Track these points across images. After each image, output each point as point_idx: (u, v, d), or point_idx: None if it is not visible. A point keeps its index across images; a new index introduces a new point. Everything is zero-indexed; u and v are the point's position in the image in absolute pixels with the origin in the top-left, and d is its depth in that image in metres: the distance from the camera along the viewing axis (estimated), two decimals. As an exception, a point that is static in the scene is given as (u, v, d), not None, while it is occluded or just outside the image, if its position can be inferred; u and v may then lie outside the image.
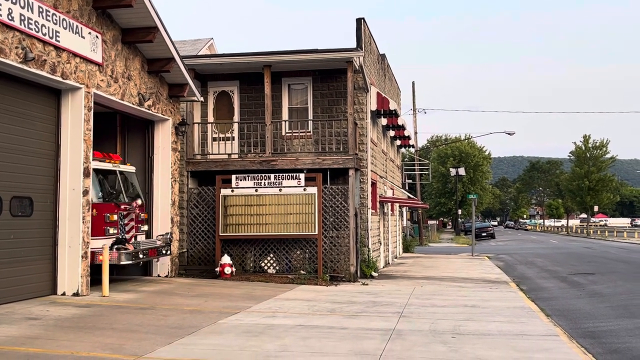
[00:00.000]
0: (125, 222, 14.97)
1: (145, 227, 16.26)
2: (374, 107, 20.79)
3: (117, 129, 17.53)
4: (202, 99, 19.14)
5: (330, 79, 19.87)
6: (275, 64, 18.98)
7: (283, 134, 19.79)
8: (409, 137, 30.47)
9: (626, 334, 10.82)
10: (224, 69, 20.00)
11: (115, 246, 14.28)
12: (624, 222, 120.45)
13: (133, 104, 15.46)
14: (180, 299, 13.36)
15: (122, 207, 14.87)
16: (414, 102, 51.57)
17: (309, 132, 19.73)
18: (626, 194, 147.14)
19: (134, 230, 15.26)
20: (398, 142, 30.43)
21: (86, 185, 13.41)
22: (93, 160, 14.02)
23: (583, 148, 78.31)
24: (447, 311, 12.74)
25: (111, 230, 14.36)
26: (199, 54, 23.39)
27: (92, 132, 13.66)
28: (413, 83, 52.91)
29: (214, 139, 20.40)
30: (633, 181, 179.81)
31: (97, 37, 13.81)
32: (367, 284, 17.40)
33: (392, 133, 27.11)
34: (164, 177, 17.32)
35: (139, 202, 15.45)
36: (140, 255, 14.64)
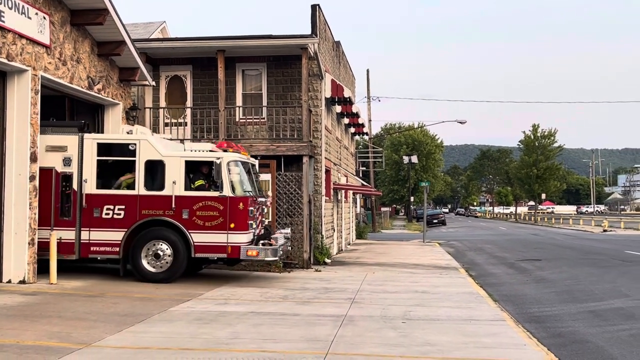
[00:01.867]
0: (257, 215, 14.66)
1: (266, 221, 15.85)
2: (328, 94, 20.79)
3: (65, 113, 17.09)
4: (153, 83, 18.82)
5: (284, 65, 19.77)
6: (229, 49, 18.77)
7: (237, 120, 19.63)
8: (363, 125, 30.62)
9: (569, 318, 11.16)
10: (177, 53, 19.69)
11: (261, 242, 14.19)
12: (570, 209, 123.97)
13: (82, 87, 15.09)
14: (131, 286, 13.17)
15: (258, 200, 14.59)
16: (368, 90, 51.78)
17: (263, 118, 19.62)
18: (572, 182, 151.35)
19: (261, 224, 14.97)
20: (352, 130, 30.54)
21: (33, 171, 13.02)
22: (227, 151, 14.07)
23: (532, 137, 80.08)
24: (398, 297, 12.91)
25: (253, 225, 14.19)
26: (151, 37, 22.94)
27: (39, 116, 13.28)
28: (367, 71, 53.07)
29: (166, 125, 20.09)
30: (579, 170, 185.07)
31: (44, 18, 13.40)
32: (320, 271, 17.47)
33: (346, 121, 27.19)
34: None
35: (270, 194, 14.84)
36: (280, 252, 14.38)
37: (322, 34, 20.83)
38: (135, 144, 13.96)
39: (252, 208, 14.05)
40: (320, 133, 19.82)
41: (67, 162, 13.82)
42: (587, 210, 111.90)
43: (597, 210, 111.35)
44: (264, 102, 19.73)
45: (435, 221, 64.41)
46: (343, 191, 26.61)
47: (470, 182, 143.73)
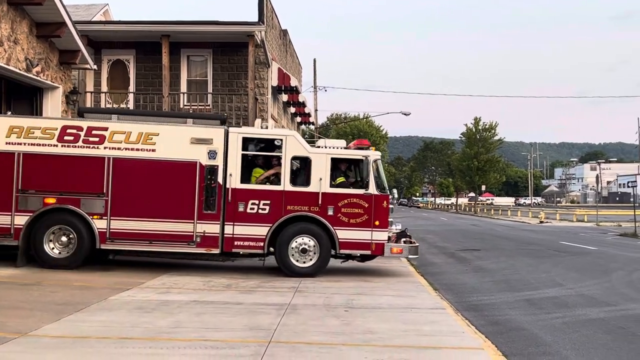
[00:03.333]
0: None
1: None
2: (275, 82, 20.73)
3: (1, 96, 16.49)
4: (95, 67, 18.34)
5: (231, 52, 19.59)
6: (174, 34, 18.47)
7: (181, 106, 19.35)
8: (309, 115, 30.68)
9: (506, 306, 11.48)
10: (120, 37, 19.25)
11: (402, 239, 14.52)
12: (509, 201, 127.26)
13: (20, 69, 14.58)
14: (69, 274, 12.85)
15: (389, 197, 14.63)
16: (314, 80, 51.74)
17: (209, 105, 19.40)
18: (511, 174, 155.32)
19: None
20: (298, 119, 30.55)
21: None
22: (363, 149, 14.35)
23: (473, 130, 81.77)
24: (341, 285, 13.01)
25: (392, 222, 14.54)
26: (93, 19, 22.33)
27: (-28, 98, 12.77)
28: (314, 60, 53.07)
29: (108, 110, 19.63)
30: (518, 162, 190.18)
31: (-21, -5, 12.86)
32: (263, 259, 17.42)
33: (292, 110, 27.17)
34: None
35: (395, 192, 14.87)
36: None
37: (269, 21, 20.72)
38: (281, 140, 14.01)
39: (392, 206, 14.50)
40: (266, 121, 19.73)
41: (212, 155, 13.65)
42: (524, 202, 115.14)
43: (534, 202, 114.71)
44: (210, 89, 19.51)
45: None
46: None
47: (413, 173, 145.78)
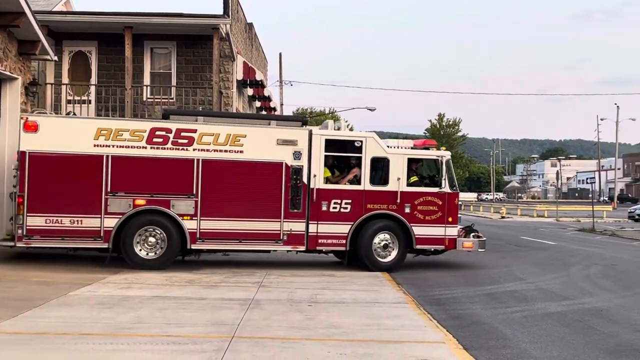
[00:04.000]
0: None
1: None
2: (240, 76, 20.61)
3: (-43, 86, 16.05)
4: (56, 58, 17.97)
5: (195, 45, 19.41)
6: (137, 25, 18.21)
7: (144, 99, 19.11)
8: (275, 109, 30.56)
9: (468, 301, 11.64)
10: (82, 28, 18.90)
11: (472, 234, 15.49)
12: (472, 196, 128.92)
13: (-24, 59, 14.19)
14: (28, 270, 12.62)
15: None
16: (280, 74, 51.55)
17: (172, 98, 19.21)
18: (474, 170, 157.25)
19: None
20: (264, 113, 30.42)
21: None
22: (429, 149, 15.53)
23: (437, 126, 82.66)
24: (305, 280, 13.04)
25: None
26: (53, 10, 21.87)
27: None
28: (280, 54, 52.80)
29: (68, 102, 19.31)
30: (480, 158, 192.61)
31: None
32: (228, 255, 17.33)
33: (258, 104, 27.05)
34: (11, 140, 16.12)
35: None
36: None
37: (234, 14, 20.57)
38: (361, 141, 14.71)
39: (461, 203, 15.07)
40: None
41: (297, 155, 14.16)
42: (487, 198, 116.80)
43: (496, 198, 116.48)
44: (173, 82, 19.31)
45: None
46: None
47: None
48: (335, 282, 13.04)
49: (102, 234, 13.29)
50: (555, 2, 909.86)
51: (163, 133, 13.56)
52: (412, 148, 15.58)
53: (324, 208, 14.38)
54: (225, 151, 13.79)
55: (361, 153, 14.62)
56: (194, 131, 13.69)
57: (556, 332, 9.10)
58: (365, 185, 14.60)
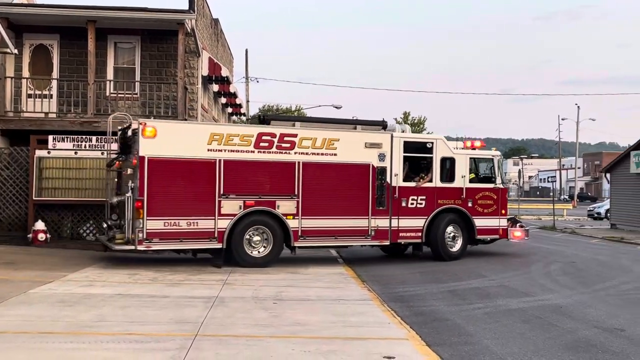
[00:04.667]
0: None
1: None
2: (205, 72, 20.45)
3: None
4: (16, 51, 17.54)
5: (160, 40, 19.19)
6: (100, 19, 17.92)
7: (107, 94, 18.82)
8: (240, 106, 30.41)
9: (431, 297, 11.77)
10: (43, 21, 18.52)
11: (518, 224, 18.07)
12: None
13: None
14: (-14, 268, 12.34)
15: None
16: (246, 70, 51.20)
17: (136, 94, 18.96)
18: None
19: None
20: (230, 110, 30.25)
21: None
22: (484, 149, 17.97)
23: (403, 124, 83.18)
24: (270, 277, 13.02)
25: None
26: (13, 2, 21.37)
27: None
28: (246, 51, 52.43)
29: (29, 96, 18.90)
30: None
31: None
32: (187, 253, 17.20)
33: (223, 100, 26.88)
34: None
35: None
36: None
37: (200, 10, 20.39)
38: (432, 143, 16.68)
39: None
40: (196, 112, 19.46)
41: (381, 157, 15.70)
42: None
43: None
44: (137, 77, 19.07)
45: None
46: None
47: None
48: (301, 279, 13.05)
49: (215, 235, 14.06)
50: (519, 3, 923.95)
51: (269, 138, 14.55)
52: (467, 148, 17.69)
53: (404, 204, 16.06)
54: (322, 154, 15.03)
55: (432, 153, 16.55)
56: (295, 135, 14.82)
57: (517, 328, 9.26)
58: (437, 182, 16.51)
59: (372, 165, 15.59)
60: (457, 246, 16.95)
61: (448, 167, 16.73)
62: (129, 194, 13.64)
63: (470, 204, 16.86)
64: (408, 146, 16.27)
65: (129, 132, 14.31)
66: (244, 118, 51.64)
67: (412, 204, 16.16)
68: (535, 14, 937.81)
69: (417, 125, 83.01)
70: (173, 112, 18.38)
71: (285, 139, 14.70)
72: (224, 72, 21.56)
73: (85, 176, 16.97)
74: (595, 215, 44.91)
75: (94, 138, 17.05)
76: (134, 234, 13.43)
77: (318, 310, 9.80)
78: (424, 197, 16.32)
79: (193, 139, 13.93)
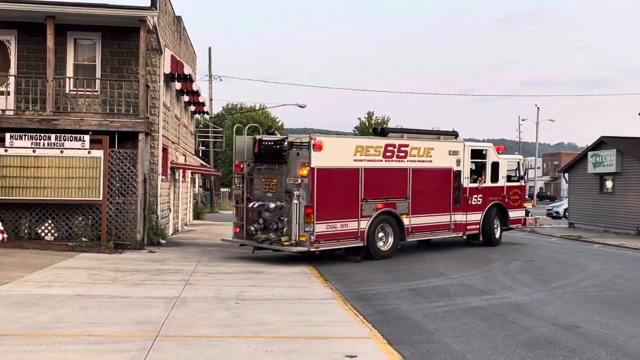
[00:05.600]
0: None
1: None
2: (167, 70, 20.20)
3: None
4: (-29, 46, 17.13)
5: (121, 37, 18.90)
6: (60, 15, 17.56)
7: (67, 91, 18.46)
8: (203, 104, 30.14)
9: (393, 296, 11.87)
10: (0, 16, 18.05)
11: (529, 214, 23.54)
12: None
13: None
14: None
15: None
16: (209, 69, 50.90)
17: (97, 91, 18.64)
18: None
19: None
20: (192, 108, 29.96)
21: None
22: (508, 153, 23.48)
23: (367, 124, 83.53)
24: (233, 277, 12.98)
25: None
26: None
27: None
28: (209, 49, 52.23)
29: (-15, 93, 18.41)
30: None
31: None
32: (154, 252, 17.06)
33: (186, 98, 26.60)
34: None
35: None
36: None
37: (162, 7, 20.13)
38: (487, 150, 21.04)
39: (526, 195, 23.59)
40: (158, 110, 19.24)
41: (458, 162, 19.43)
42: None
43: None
44: (98, 75, 18.75)
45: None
46: (181, 171, 26.09)
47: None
48: (264, 279, 13.03)
49: (358, 234, 16.47)
50: (481, 5, 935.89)
51: (391, 148, 17.34)
52: (501, 153, 21.81)
53: (469, 202, 19.99)
54: (422, 161, 18.16)
55: (486, 159, 20.85)
56: (407, 146, 17.79)
57: (477, 326, 9.41)
58: (488, 182, 20.76)
59: (452, 170, 19.19)
60: (498, 234, 21.48)
61: (495, 170, 21.04)
62: (296, 200, 15.25)
63: (507, 200, 21.46)
64: (473, 153, 20.25)
65: (285, 144, 15.86)
66: (207, 116, 51.27)
67: (474, 201, 20.17)
68: (495, 16, 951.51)
69: (381, 125, 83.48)
70: (134, 111, 18.14)
71: (402, 148, 17.61)
72: (187, 70, 21.33)
73: (44, 175, 16.63)
74: (554, 214, 45.84)
75: (52, 136, 16.73)
76: (302, 236, 15.22)
77: (280, 309, 9.80)
78: (481, 195, 20.45)
79: (345, 151, 16.26)
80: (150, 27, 18.04)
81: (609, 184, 31.76)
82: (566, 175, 36.68)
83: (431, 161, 18.39)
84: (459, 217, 19.59)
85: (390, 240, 17.39)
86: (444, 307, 10.87)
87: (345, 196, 16.05)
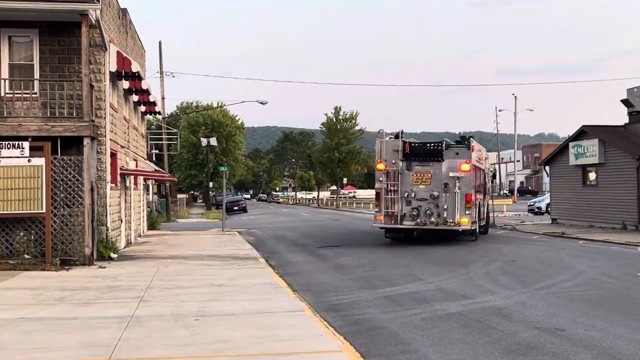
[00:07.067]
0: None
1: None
2: (113, 67, 19.99)
3: None
4: None
5: (61, 33, 18.63)
6: (-9, 11, 17.23)
7: (2, 94, 18.12)
8: (155, 103, 29.82)
9: (366, 305, 11.92)
10: None
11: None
12: (371, 193, 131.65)
13: None
14: None
15: None
16: (160, 64, 50.47)
17: (35, 93, 18.33)
18: (373, 165, 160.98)
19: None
20: (143, 108, 29.66)
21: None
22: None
23: (334, 120, 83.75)
24: (192, 292, 12.88)
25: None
26: None
27: None
28: (160, 43, 51.66)
29: None
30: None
31: None
32: (104, 267, 16.85)
33: (135, 98, 26.32)
34: None
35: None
36: None
37: (105, -1, 19.91)
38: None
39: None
40: (104, 111, 19.01)
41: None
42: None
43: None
44: (36, 75, 18.45)
45: (235, 208, 65.01)
46: (132, 177, 25.82)
47: (272, 166, 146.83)
48: (225, 292, 12.97)
49: (482, 216, 26.81)
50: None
51: (483, 156, 27.74)
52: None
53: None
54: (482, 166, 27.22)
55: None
56: (481, 151, 26.91)
57: (456, 334, 9.50)
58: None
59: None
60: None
61: (495, 177, 32.24)
62: (457, 189, 22.30)
63: None
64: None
65: (442, 146, 22.67)
66: (159, 117, 50.78)
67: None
68: (467, 0, 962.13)
69: (349, 121, 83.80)
70: (78, 113, 17.89)
71: (483, 156, 27.08)
72: (135, 67, 21.12)
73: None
74: (536, 210, 46.57)
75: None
76: (463, 218, 22.34)
77: (244, 325, 9.76)
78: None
79: (478, 155, 24.38)
80: (93, 21, 17.81)
81: (592, 175, 32.39)
82: (547, 168, 37.28)
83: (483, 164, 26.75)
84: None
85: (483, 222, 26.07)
86: (420, 314, 10.96)
87: (481, 188, 24.65)
